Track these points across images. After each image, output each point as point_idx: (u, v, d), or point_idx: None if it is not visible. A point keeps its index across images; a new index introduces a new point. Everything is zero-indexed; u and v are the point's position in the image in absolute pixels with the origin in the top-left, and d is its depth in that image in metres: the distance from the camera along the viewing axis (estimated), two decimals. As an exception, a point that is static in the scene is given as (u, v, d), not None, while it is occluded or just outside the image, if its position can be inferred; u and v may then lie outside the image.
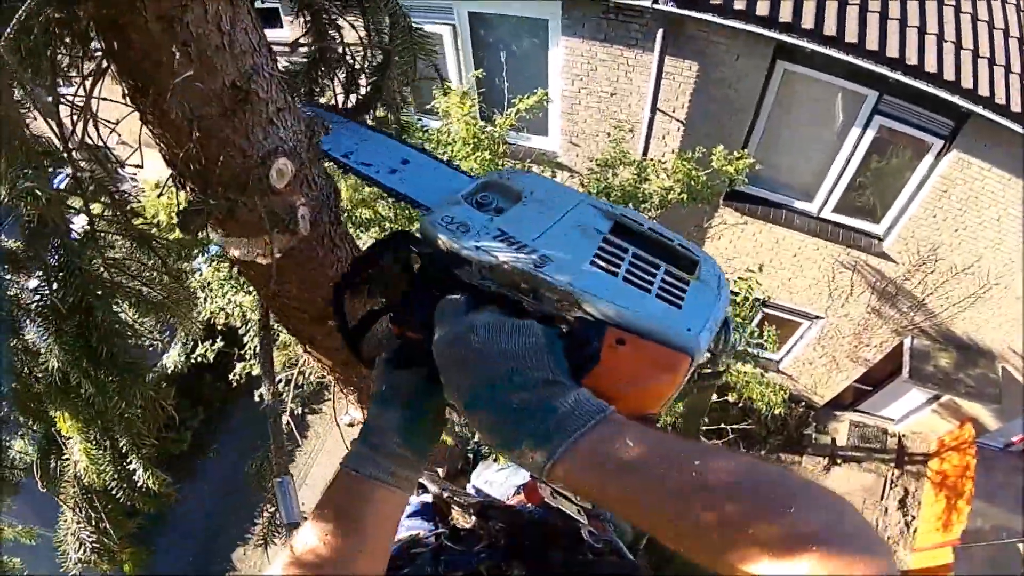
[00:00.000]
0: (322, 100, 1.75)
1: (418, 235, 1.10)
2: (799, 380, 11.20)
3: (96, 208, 1.59)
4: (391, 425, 1.02)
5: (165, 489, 2.02)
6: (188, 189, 1.38)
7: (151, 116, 1.23)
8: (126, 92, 1.22)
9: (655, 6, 6.47)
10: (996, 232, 7.54)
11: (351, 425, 2.47)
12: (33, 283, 1.70)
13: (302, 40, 1.64)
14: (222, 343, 7.40)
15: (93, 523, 2.15)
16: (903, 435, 11.66)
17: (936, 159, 7.28)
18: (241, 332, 7.08)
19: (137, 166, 1.47)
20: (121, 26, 1.06)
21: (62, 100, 1.24)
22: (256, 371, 6.92)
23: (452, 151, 6.26)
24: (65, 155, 1.34)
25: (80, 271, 1.50)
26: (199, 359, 7.37)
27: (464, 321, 0.91)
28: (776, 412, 8.27)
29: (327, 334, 1.91)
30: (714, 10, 6.44)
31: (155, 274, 1.94)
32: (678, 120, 7.72)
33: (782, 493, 0.70)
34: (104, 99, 1.27)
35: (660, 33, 6.85)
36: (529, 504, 1.64)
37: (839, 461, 11.57)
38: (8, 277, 1.97)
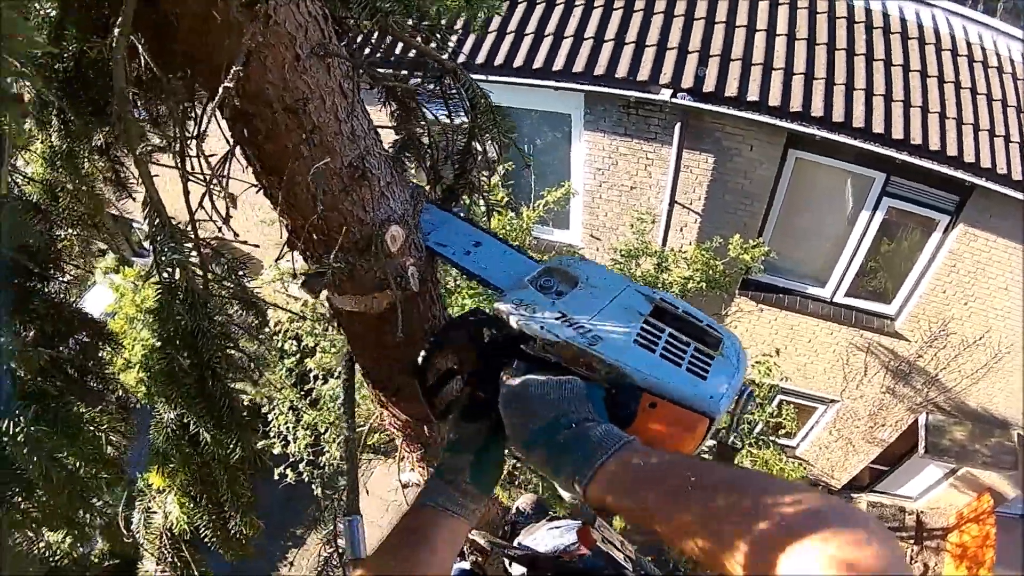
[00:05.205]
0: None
1: (490, 313, 1.24)
2: (815, 464, 10.59)
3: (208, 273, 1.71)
4: (462, 466, 1.15)
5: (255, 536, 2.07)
6: (309, 255, 1.50)
7: (279, 194, 1.33)
8: (255, 173, 1.35)
9: (673, 100, 6.32)
10: (1005, 301, 7.25)
11: (406, 486, 2.59)
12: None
13: (390, 125, 1.72)
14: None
15: (178, 571, 2.19)
16: (921, 511, 10.99)
17: (943, 235, 7.07)
18: (265, 410, 6.71)
19: (255, 245, 1.63)
20: (250, 116, 1.17)
21: (191, 177, 1.33)
22: (278, 450, 6.75)
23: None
24: (190, 226, 1.45)
25: (205, 332, 1.55)
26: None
27: (523, 381, 1.07)
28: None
29: (412, 387, 1.86)
30: (729, 102, 6.33)
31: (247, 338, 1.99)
32: (695, 212, 7.47)
33: (775, 490, 0.73)
34: (228, 177, 1.35)
35: (678, 126, 6.70)
36: (581, 551, 1.72)
37: (858, 543, 10.86)
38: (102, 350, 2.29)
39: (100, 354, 2.29)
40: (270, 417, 6.83)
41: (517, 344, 1.16)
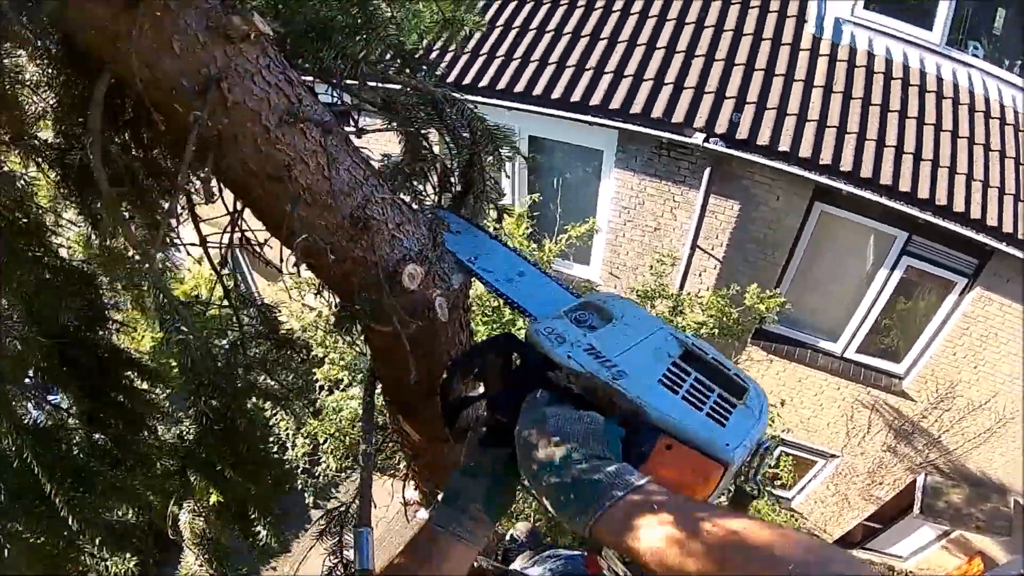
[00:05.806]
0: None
1: (522, 339, 1.23)
2: (809, 518, 10.45)
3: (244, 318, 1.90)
4: (476, 493, 1.15)
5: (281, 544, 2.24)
6: (335, 294, 1.56)
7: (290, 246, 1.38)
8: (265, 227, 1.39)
9: (705, 145, 6.26)
10: (1015, 366, 7.20)
11: (408, 504, 2.64)
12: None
13: (398, 152, 1.74)
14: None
15: (214, 566, 2.27)
16: (909, 571, 10.87)
17: (959, 297, 7.04)
18: (267, 415, 6.50)
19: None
20: (239, 186, 1.23)
21: (209, 243, 1.48)
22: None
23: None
24: (218, 282, 1.64)
25: (225, 388, 1.67)
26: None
27: (541, 411, 1.06)
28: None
29: (432, 409, 1.92)
30: (760, 151, 6.26)
31: (284, 372, 2.15)
32: (716, 258, 7.40)
33: (782, 549, 0.74)
34: (248, 230, 1.46)
35: (707, 171, 6.64)
36: None
37: (843, 601, 10.69)
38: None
39: (148, 396, 2.35)
40: (271, 422, 6.60)
41: (544, 373, 1.15)
